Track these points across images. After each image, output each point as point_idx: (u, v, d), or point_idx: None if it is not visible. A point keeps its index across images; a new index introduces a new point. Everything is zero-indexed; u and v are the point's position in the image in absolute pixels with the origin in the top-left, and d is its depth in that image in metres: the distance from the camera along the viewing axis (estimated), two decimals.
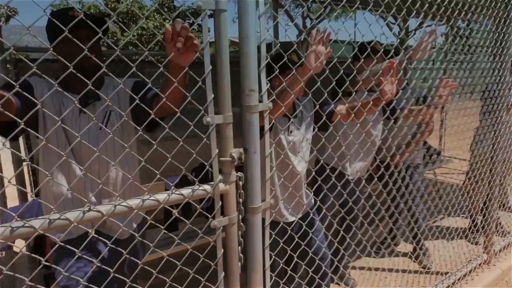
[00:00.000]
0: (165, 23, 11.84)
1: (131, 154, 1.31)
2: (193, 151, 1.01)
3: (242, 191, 1.05)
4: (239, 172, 1.05)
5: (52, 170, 1.16)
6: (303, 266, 1.69)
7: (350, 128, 1.85)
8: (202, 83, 0.93)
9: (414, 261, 2.67)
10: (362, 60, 1.90)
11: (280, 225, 1.73)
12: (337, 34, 1.41)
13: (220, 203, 1.02)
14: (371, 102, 1.67)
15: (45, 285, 1.86)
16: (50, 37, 1.20)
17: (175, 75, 1.02)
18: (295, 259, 1.56)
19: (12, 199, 2.48)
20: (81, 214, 0.83)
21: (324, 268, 1.79)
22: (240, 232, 1.08)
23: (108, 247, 1.26)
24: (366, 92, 2.10)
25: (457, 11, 1.86)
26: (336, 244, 1.81)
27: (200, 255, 1.06)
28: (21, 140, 2.37)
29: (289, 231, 1.58)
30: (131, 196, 1.32)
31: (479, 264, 2.44)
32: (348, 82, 1.85)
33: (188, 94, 0.99)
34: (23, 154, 2.54)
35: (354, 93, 2.05)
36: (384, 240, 2.89)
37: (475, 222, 2.89)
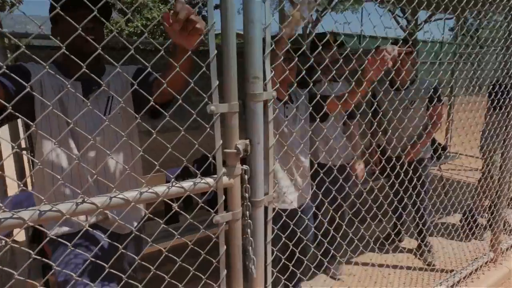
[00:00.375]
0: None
1: (135, 143, 1.27)
2: (195, 142, 0.96)
3: (248, 185, 0.99)
4: (244, 165, 0.99)
5: (50, 151, 1.12)
6: (297, 255, 1.67)
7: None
8: (206, 69, 0.87)
9: (418, 258, 2.63)
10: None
11: (283, 216, 1.72)
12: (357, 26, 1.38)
13: (224, 197, 0.97)
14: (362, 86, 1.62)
15: (43, 275, 1.84)
16: (51, 19, 1.16)
17: (177, 58, 0.97)
18: (291, 247, 1.54)
19: (15, 189, 2.46)
20: (74, 206, 0.79)
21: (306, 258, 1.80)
22: (249, 231, 1.02)
23: (110, 242, 1.22)
24: (340, 83, 2.09)
25: (472, 1, 1.78)
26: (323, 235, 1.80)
27: (202, 252, 1.02)
28: (20, 128, 2.34)
29: (291, 221, 1.56)
30: (130, 187, 1.28)
31: (486, 263, 2.39)
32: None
33: (190, 80, 0.93)
34: (22, 143, 2.52)
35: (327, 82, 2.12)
36: (388, 236, 2.85)
37: (474, 218, 2.85)
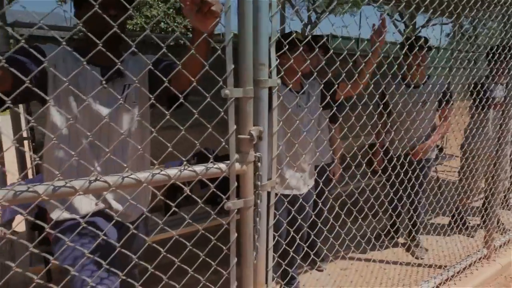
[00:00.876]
0: (169, 12, 11.72)
1: (147, 136, 1.28)
2: (209, 125, 0.98)
3: (261, 173, 0.98)
4: (258, 153, 0.98)
5: (60, 130, 1.12)
6: (297, 241, 1.71)
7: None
8: (221, 52, 0.88)
9: (411, 254, 2.67)
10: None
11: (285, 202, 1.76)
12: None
13: (236, 184, 0.97)
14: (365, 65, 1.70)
15: (45, 262, 1.85)
16: (75, 4, 1.17)
17: (193, 40, 0.97)
18: (292, 233, 1.58)
19: (13, 180, 2.45)
20: (87, 183, 0.81)
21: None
22: (258, 220, 1.02)
23: (114, 230, 1.23)
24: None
25: (471, 2, 1.83)
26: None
27: (212, 238, 1.03)
28: (23, 122, 2.34)
29: (293, 207, 1.60)
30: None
31: (479, 259, 2.44)
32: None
33: (206, 63, 0.94)
34: (24, 134, 2.52)
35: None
36: (386, 232, 2.89)
37: (461, 215, 2.91)
